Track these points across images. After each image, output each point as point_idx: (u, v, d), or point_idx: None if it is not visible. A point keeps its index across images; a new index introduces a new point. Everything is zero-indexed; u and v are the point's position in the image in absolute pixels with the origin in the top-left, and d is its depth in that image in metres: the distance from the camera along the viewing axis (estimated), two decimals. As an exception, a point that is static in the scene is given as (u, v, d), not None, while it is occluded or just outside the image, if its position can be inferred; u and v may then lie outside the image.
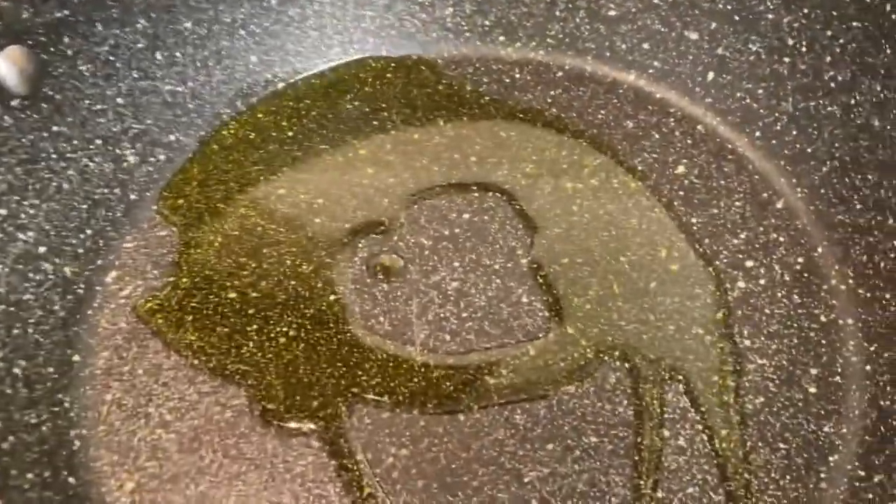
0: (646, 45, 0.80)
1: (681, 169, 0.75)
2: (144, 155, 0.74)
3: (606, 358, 0.64)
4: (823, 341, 0.64)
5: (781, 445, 0.60)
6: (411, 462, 0.60)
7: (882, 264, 0.65)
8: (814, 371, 0.63)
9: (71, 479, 0.59)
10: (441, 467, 0.59)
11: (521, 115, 0.80)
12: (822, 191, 0.70)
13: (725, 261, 0.69)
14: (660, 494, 0.58)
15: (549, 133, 0.78)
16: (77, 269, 0.68)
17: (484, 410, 0.62)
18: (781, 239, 0.70)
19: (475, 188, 0.75)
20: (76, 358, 0.64)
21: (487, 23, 0.84)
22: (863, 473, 0.58)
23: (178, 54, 0.76)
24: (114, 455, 0.60)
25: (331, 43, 0.83)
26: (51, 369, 0.63)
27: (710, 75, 0.78)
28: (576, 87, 0.81)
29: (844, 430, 0.60)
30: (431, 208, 0.73)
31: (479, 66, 0.83)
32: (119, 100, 0.72)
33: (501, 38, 0.84)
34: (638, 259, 0.69)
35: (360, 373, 0.64)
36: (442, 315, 0.67)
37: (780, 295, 0.67)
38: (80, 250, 0.68)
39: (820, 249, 0.69)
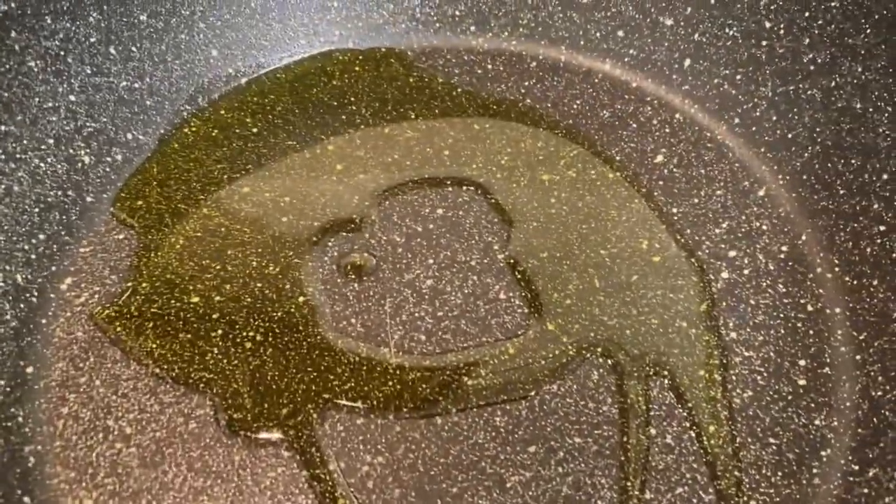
0: (620, 33, 0.78)
1: (660, 158, 0.73)
2: (100, 155, 0.70)
3: (589, 354, 0.62)
4: (811, 331, 0.63)
5: (772, 440, 0.58)
6: (387, 470, 0.57)
7: (868, 250, 0.63)
8: (802, 362, 0.61)
9: (26, 499, 0.55)
10: (419, 474, 0.57)
11: (494, 107, 0.77)
12: (805, 177, 0.69)
13: (708, 251, 0.67)
14: (648, 495, 0.56)
15: (524, 125, 0.76)
16: (29, 275, 0.64)
17: (462, 413, 0.59)
18: (764, 227, 0.68)
19: (449, 183, 0.72)
20: (30, 370, 0.61)
21: (458, 12, 0.81)
22: (857, 468, 0.56)
23: (133, 48, 0.72)
24: (71, 472, 0.57)
25: (295, 35, 0.80)
26: (2, 382, 0.59)
27: (687, 62, 0.76)
28: (550, 77, 0.79)
29: (836, 423, 0.58)
30: (404, 204, 0.70)
31: (450, 58, 0.80)
32: (71, 97, 0.69)
33: (472, 29, 0.81)
34: (618, 252, 0.67)
35: (331, 377, 0.61)
36: (416, 314, 0.64)
37: (764, 285, 0.65)
38: (33, 256, 0.65)
39: (804, 237, 0.67)
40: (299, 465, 0.57)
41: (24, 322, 0.62)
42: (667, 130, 0.74)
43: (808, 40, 0.68)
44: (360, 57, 0.81)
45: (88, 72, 0.70)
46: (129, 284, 0.65)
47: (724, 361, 0.61)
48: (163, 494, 0.56)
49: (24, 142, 0.66)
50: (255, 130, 0.76)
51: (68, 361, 0.62)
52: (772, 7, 0.71)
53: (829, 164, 0.67)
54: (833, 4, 0.66)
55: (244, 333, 0.63)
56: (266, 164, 0.73)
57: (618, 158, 0.73)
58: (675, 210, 0.69)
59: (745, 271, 0.66)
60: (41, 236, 0.66)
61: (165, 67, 0.75)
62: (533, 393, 0.60)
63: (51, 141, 0.68)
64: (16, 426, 0.58)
